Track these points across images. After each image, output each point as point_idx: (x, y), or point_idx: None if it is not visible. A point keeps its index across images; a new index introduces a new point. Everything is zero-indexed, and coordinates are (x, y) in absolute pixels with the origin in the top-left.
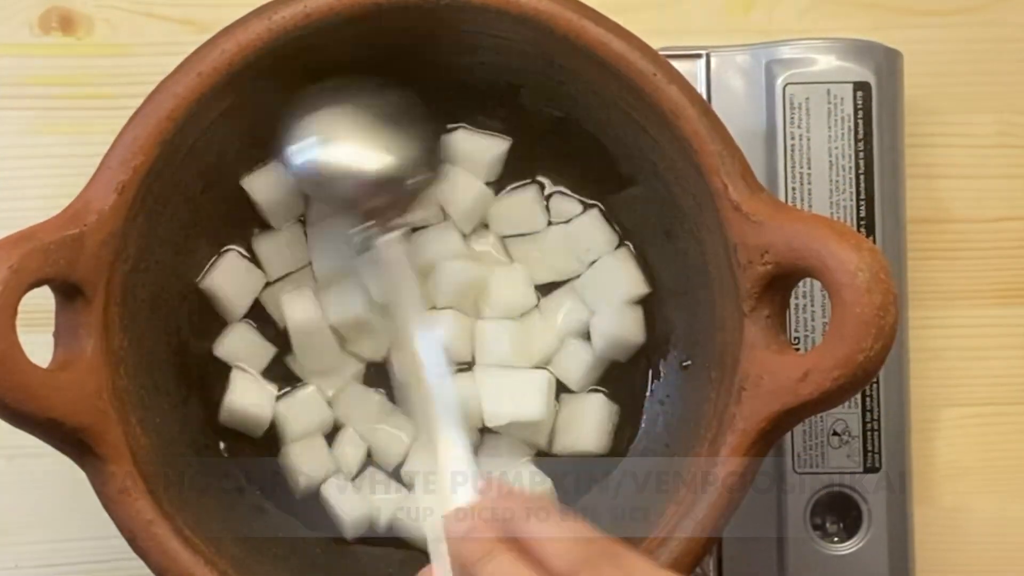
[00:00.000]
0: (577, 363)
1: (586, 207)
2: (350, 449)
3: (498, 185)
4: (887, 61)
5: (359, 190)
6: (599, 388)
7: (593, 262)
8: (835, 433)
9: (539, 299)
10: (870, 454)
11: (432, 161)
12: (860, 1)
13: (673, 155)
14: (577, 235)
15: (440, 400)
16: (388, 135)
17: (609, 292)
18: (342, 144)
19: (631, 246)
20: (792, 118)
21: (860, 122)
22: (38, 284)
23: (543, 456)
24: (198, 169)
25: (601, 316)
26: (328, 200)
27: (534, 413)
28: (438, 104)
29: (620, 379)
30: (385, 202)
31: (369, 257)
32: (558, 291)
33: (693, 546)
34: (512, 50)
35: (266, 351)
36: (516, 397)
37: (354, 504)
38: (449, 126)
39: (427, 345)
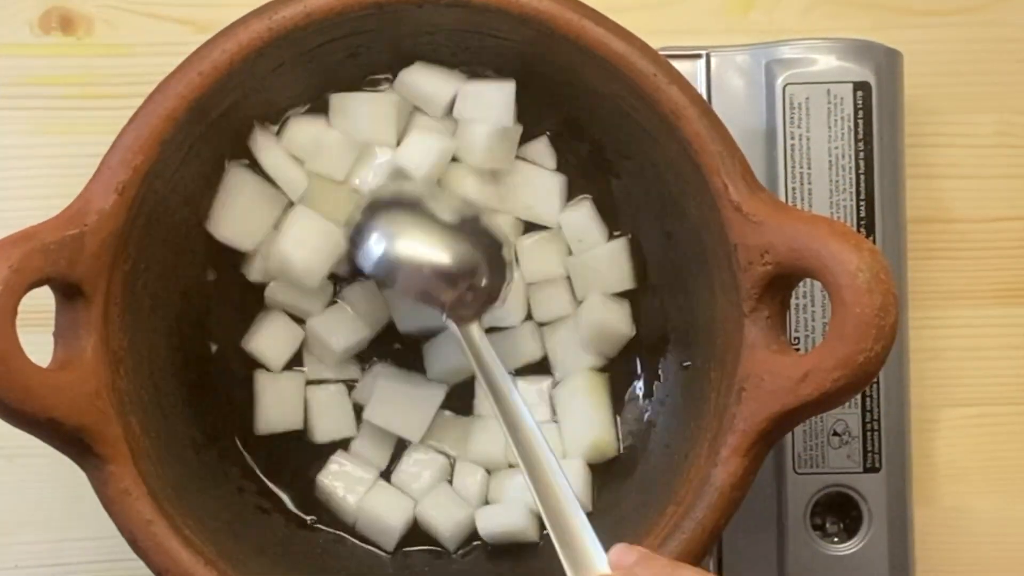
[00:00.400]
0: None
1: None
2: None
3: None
4: (887, 61)
5: (434, 282)
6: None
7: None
8: (835, 433)
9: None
10: (870, 454)
11: (502, 267)
12: (860, 1)
13: (673, 155)
14: (574, 227)
15: (553, 470)
16: (459, 235)
17: (597, 282)
18: (417, 238)
19: (628, 238)
20: (792, 118)
21: (860, 122)
22: (38, 284)
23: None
24: (199, 169)
25: (587, 305)
26: (405, 291)
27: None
28: None
29: (620, 379)
30: (460, 297)
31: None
32: (548, 282)
33: (693, 546)
34: (512, 50)
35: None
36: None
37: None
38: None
39: (529, 417)
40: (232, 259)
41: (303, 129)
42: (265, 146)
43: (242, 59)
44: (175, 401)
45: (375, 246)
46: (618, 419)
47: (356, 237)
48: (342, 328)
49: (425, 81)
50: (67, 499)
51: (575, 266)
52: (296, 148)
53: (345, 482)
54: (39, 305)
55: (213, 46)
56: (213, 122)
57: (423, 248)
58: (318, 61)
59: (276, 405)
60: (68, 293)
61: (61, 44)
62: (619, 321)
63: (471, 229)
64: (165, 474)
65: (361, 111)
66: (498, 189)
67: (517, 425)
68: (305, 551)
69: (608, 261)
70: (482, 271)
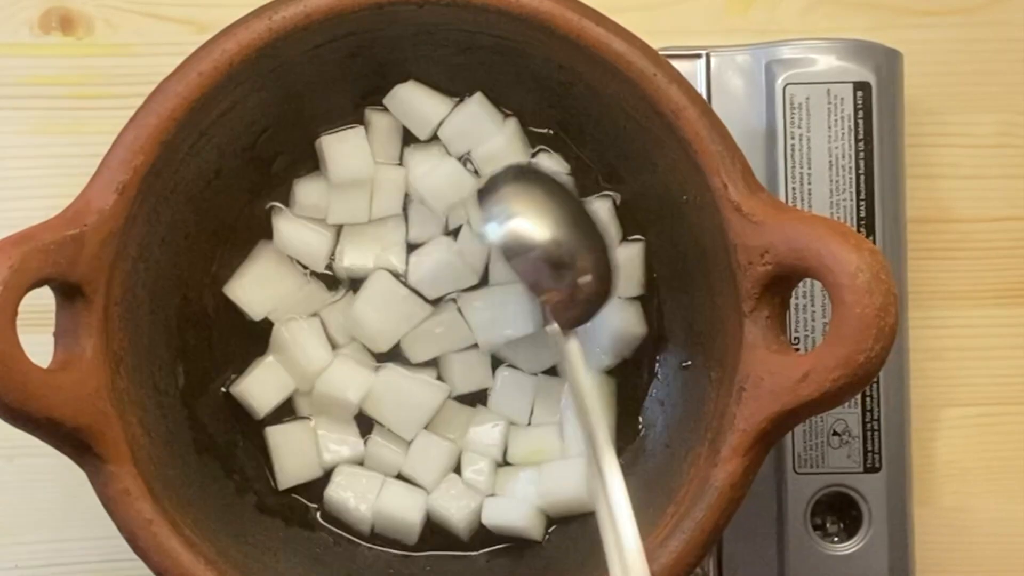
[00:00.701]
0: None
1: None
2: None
3: None
4: (887, 61)
5: (539, 263)
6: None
7: None
8: (835, 433)
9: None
10: (870, 454)
11: (609, 271)
12: (860, 1)
13: (673, 155)
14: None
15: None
16: (569, 226)
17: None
18: (541, 217)
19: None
20: (792, 118)
21: (860, 122)
22: (38, 284)
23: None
24: (199, 169)
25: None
26: (516, 267)
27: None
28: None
29: (620, 379)
30: (570, 295)
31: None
32: None
33: (693, 546)
34: (512, 50)
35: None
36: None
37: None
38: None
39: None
40: (232, 260)
41: (309, 189)
42: (281, 223)
43: (242, 59)
44: (175, 401)
45: (499, 216)
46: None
47: (483, 199)
48: (353, 380)
49: (418, 101)
50: (67, 499)
51: None
52: (310, 211)
53: (355, 491)
54: (39, 305)
55: (213, 46)
56: (213, 122)
57: (545, 228)
58: (318, 63)
59: (293, 457)
60: (68, 293)
61: (61, 44)
62: (635, 324)
63: (582, 222)
64: (165, 474)
65: (341, 151)
66: None
67: (600, 465)
68: (306, 551)
69: (625, 264)
70: (593, 268)
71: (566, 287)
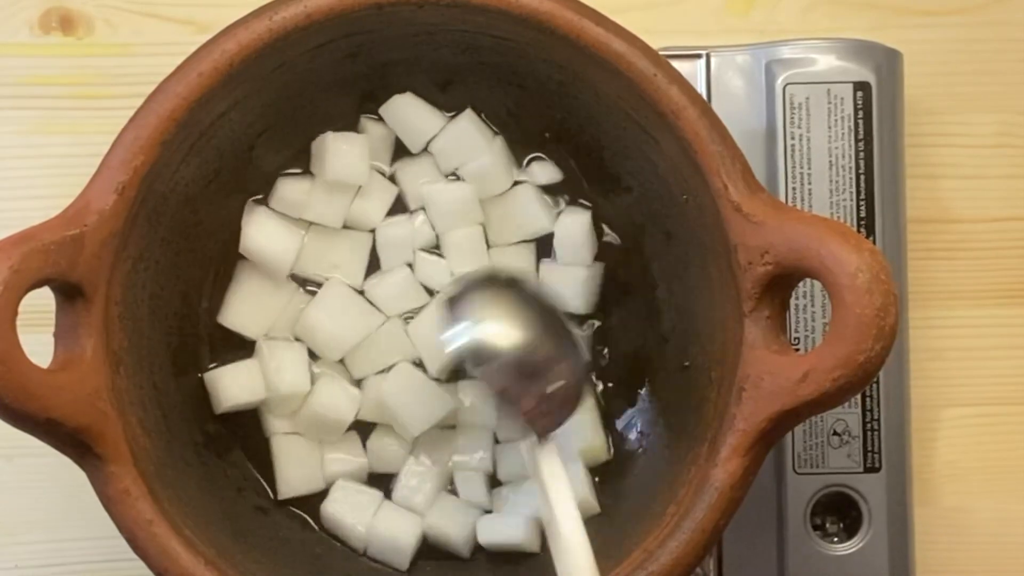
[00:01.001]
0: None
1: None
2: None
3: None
4: (887, 61)
5: (508, 371)
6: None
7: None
8: (835, 433)
9: None
10: (870, 454)
11: (582, 377)
12: (860, 1)
13: (673, 155)
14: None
15: None
16: (540, 331)
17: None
18: (506, 322)
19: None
20: (792, 118)
21: (860, 122)
22: (39, 284)
23: None
24: (199, 169)
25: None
26: (488, 382)
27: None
28: (437, 102)
29: (620, 379)
30: (541, 401)
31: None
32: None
33: (693, 546)
34: (512, 50)
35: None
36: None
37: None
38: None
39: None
40: (232, 260)
41: (292, 185)
42: (250, 224)
43: (242, 59)
44: (175, 401)
45: (462, 327)
46: (616, 422)
47: (447, 314)
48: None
49: (413, 113)
50: (67, 499)
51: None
52: (287, 206)
53: (351, 507)
54: (39, 305)
55: (213, 46)
56: (213, 122)
57: (512, 333)
58: (318, 63)
59: (296, 468)
60: (68, 293)
61: (61, 44)
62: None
63: (553, 326)
64: (165, 474)
65: (338, 151)
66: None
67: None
68: (306, 551)
69: (580, 284)
70: (566, 373)
71: (536, 395)
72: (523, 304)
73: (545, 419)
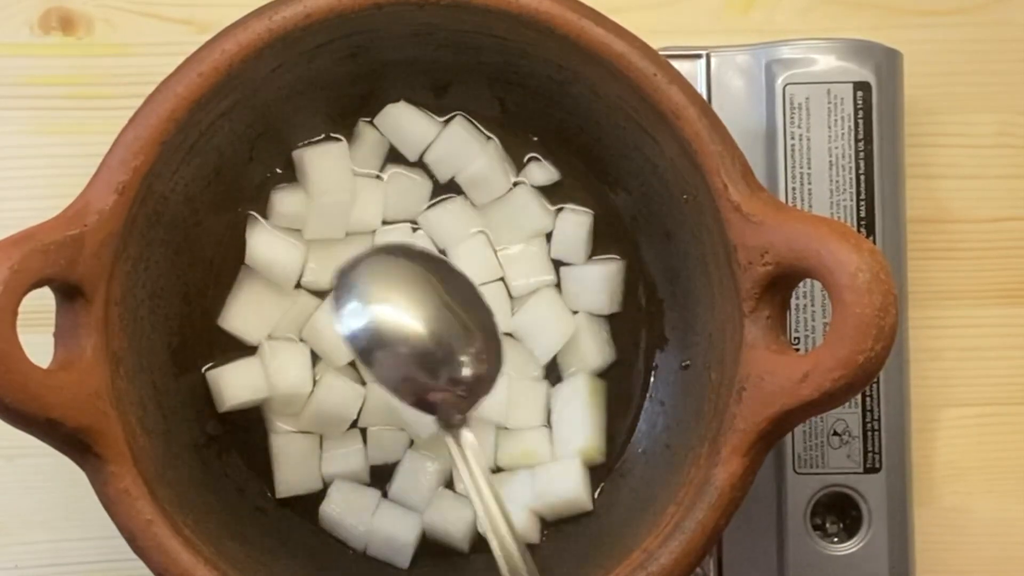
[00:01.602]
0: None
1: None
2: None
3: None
4: (887, 61)
5: (409, 360)
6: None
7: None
8: (835, 433)
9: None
10: (870, 454)
11: (493, 359)
12: (860, 1)
13: (673, 155)
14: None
15: None
16: (443, 307)
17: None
18: (397, 308)
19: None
20: (792, 118)
21: (860, 122)
22: (38, 284)
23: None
24: (199, 169)
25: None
26: (383, 379)
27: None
28: (437, 103)
29: (620, 380)
30: (444, 394)
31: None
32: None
33: (693, 546)
34: (512, 50)
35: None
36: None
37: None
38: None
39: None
40: (232, 261)
41: (288, 199)
42: (254, 238)
43: (242, 59)
44: (175, 401)
45: (352, 315)
46: (616, 421)
47: (335, 301)
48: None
49: (408, 122)
50: (67, 499)
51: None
52: (288, 221)
53: (350, 507)
54: (39, 305)
55: (213, 46)
56: (213, 122)
57: (408, 322)
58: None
59: (295, 467)
60: (68, 293)
61: (61, 44)
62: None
63: (461, 300)
64: (165, 474)
65: (320, 168)
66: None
67: (501, 544)
68: (306, 551)
69: (603, 281)
70: (477, 352)
71: (446, 382)
72: (424, 276)
73: (460, 404)
